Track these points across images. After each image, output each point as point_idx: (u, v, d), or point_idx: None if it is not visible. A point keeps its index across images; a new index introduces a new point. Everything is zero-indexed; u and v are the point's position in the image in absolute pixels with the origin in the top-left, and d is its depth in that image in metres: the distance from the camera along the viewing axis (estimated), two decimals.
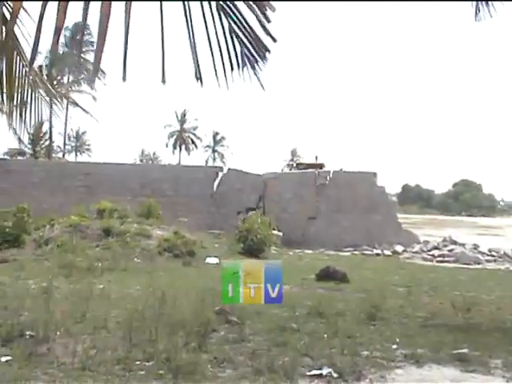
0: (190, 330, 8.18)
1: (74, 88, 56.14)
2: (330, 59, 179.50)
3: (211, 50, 3.85)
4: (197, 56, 3.76)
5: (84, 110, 54.42)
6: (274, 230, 23.14)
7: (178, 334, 8.07)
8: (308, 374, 6.98)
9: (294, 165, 36.65)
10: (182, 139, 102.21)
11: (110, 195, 24.75)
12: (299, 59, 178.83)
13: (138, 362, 7.09)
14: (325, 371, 7.01)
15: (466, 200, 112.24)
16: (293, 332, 8.85)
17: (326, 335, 8.74)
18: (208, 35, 3.84)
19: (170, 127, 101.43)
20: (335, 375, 6.94)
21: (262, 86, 3.92)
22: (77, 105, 54.30)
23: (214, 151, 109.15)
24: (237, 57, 3.92)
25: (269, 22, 3.83)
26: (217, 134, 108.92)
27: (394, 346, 8.37)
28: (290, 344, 8.08)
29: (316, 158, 37.22)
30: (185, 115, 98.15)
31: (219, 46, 3.88)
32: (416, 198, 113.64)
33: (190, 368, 6.80)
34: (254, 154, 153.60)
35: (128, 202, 23.78)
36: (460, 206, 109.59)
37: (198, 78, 3.77)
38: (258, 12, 3.86)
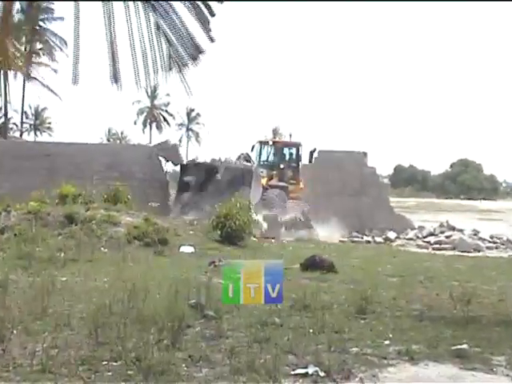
0: (162, 325, 8.13)
1: (32, 59, 55.59)
2: (316, 32, 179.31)
3: (133, 48, 3.62)
4: (115, 55, 3.55)
5: (44, 84, 53.94)
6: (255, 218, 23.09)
7: (150, 330, 8.02)
8: (292, 372, 6.97)
9: (270, 143, 36.34)
10: (152, 116, 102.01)
11: (73, 178, 24.60)
12: (282, 32, 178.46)
13: (104, 362, 7.04)
14: (310, 370, 7.00)
15: (465, 182, 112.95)
16: (275, 327, 8.84)
17: (311, 330, 8.74)
18: (131, 32, 3.61)
19: (139, 103, 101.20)
20: (322, 374, 6.93)
21: (188, 91, 3.72)
22: (35, 78, 53.78)
23: (188, 130, 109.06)
24: (163, 58, 3.69)
25: (212, 15, 3.60)
26: (191, 110, 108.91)
27: (387, 342, 8.38)
28: (273, 340, 8.06)
29: (290, 135, 37.20)
30: (155, 90, 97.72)
31: (143, 45, 3.64)
32: (410, 180, 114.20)
33: (163, 368, 6.76)
34: (233, 133, 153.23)
35: (94, 186, 23.67)
36: (458, 189, 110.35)
37: (115, 80, 3.55)
38: (199, 8, 3.65)
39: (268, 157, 35.17)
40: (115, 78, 3.50)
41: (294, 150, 35.28)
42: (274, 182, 32.05)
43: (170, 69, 3.65)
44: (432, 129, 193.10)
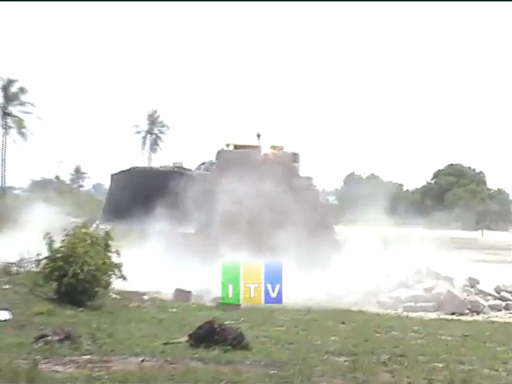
0: None
1: None
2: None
3: None
4: None
5: None
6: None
7: None
8: None
9: (229, 147, 36.40)
10: None
11: None
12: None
13: None
14: None
15: (458, 200, 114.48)
16: None
17: None
18: None
19: None
20: None
21: None
22: None
23: (5, 114, 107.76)
24: None
25: None
26: (10, 83, 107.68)
27: None
28: None
29: (258, 135, 37.43)
30: None
31: None
32: (369, 198, 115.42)
33: None
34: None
35: None
36: (446, 211, 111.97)
37: None
38: None
39: None
40: None
41: None
42: None
43: None
44: (404, 121, 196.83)
